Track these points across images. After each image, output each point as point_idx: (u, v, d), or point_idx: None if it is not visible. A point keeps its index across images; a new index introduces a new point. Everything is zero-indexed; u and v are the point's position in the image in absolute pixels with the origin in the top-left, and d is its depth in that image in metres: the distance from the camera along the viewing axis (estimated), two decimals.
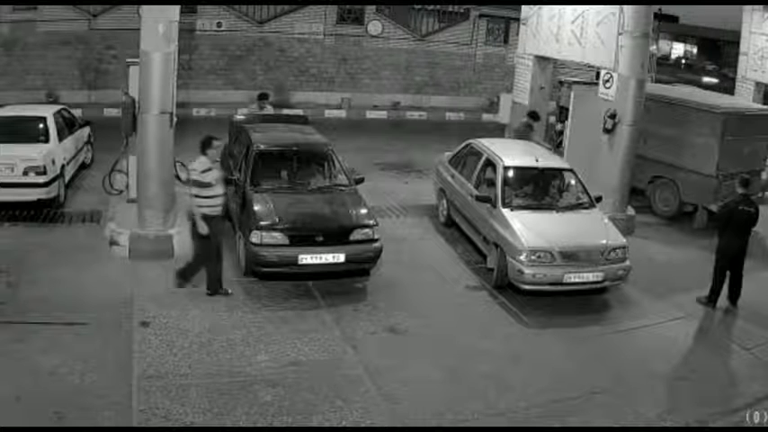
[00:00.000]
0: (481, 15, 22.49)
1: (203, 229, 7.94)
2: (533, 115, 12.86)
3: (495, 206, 9.32)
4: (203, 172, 7.95)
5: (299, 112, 18.15)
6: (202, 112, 18.75)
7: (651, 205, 12.87)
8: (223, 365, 6.80)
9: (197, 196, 7.93)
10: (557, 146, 14.31)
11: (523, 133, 12.47)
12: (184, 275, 8.35)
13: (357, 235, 8.64)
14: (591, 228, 9.20)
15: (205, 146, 8.11)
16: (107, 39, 18.64)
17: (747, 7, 16.53)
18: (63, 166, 10.85)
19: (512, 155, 10.16)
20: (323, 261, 8.41)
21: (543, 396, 6.77)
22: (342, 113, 20.42)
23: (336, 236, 8.56)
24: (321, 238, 8.48)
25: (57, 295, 7.87)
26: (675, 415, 6.67)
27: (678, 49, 53.17)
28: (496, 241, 9.08)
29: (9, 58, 17.96)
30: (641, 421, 6.51)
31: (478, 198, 9.62)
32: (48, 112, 11.42)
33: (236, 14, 20.12)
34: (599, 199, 9.88)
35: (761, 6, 16.16)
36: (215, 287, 8.23)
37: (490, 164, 10.04)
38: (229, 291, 8.29)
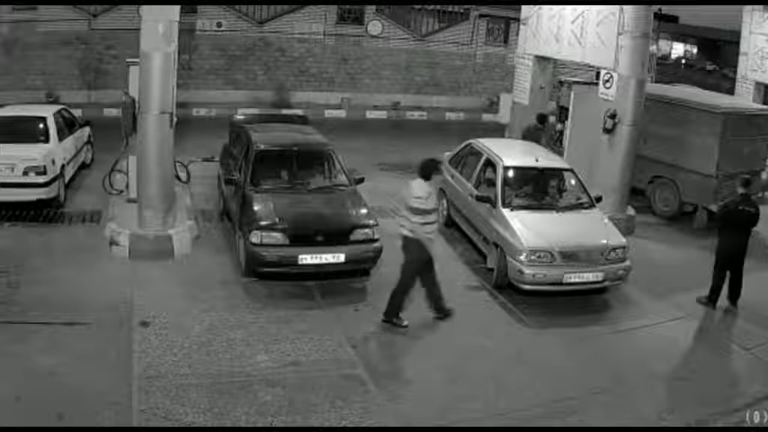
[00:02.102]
0: (481, 15, 22.50)
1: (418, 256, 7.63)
2: (541, 119, 12.80)
3: (495, 206, 9.32)
4: (427, 198, 7.60)
5: (299, 112, 18.16)
6: (202, 112, 18.77)
7: (651, 205, 12.87)
8: (223, 365, 6.80)
9: (423, 224, 7.54)
10: (554, 143, 14.32)
11: (533, 136, 12.42)
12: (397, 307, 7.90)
13: (357, 235, 8.64)
14: (591, 228, 9.19)
15: (430, 170, 7.66)
16: (107, 39, 18.64)
17: (747, 7, 16.54)
18: (63, 166, 10.85)
19: (512, 155, 10.17)
20: (323, 261, 8.42)
21: (543, 396, 6.77)
22: (342, 113, 20.42)
23: (336, 236, 8.56)
24: (321, 238, 8.49)
25: (57, 295, 7.87)
26: (675, 415, 6.67)
27: (678, 49, 53.15)
28: (496, 241, 9.08)
29: (9, 58, 17.95)
30: (641, 421, 6.50)
31: (478, 198, 9.62)
32: (48, 112, 11.42)
33: (236, 14, 20.13)
34: (599, 199, 9.88)
35: (761, 6, 16.17)
36: (393, 314, 7.85)
37: (490, 164, 10.04)
38: (405, 323, 7.80)
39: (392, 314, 7.87)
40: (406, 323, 7.86)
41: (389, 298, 7.85)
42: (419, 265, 7.74)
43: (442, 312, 8.11)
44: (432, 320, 8.09)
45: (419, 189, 7.59)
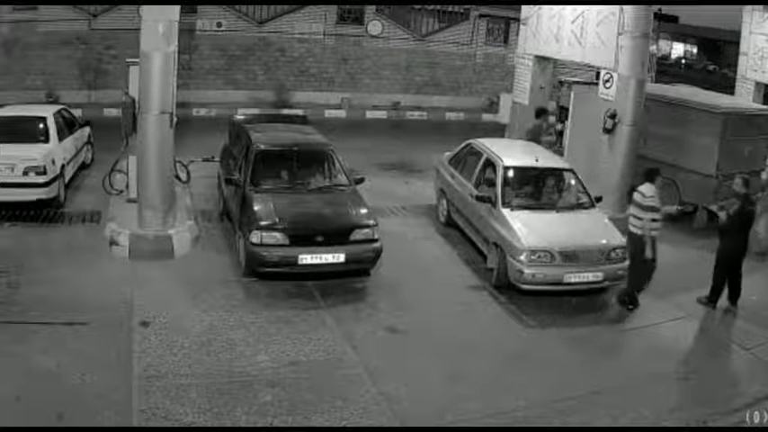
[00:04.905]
0: (481, 15, 22.49)
1: (650, 253, 8.49)
2: (540, 112, 12.71)
3: (495, 206, 9.33)
4: (656, 197, 8.58)
5: (300, 111, 18.16)
6: (202, 112, 18.77)
7: None
8: (223, 365, 6.80)
9: (654, 220, 8.49)
10: (554, 143, 14.30)
11: (537, 133, 12.39)
12: (631, 300, 8.82)
13: (357, 235, 8.65)
14: (591, 228, 9.19)
15: (653, 174, 8.74)
16: (107, 39, 18.64)
17: (747, 7, 16.52)
18: (63, 166, 10.85)
19: (512, 155, 10.17)
20: (323, 261, 8.42)
21: (543, 396, 6.76)
22: (342, 113, 20.42)
23: (336, 236, 8.57)
24: (321, 238, 8.49)
25: (57, 295, 7.87)
26: (675, 415, 6.67)
27: (678, 49, 53.12)
28: (496, 241, 9.08)
29: (9, 58, 17.94)
30: (641, 421, 6.50)
31: (478, 198, 9.62)
32: (48, 112, 11.42)
33: (236, 14, 20.12)
34: (599, 199, 9.88)
35: (761, 6, 16.16)
36: (631, 299, 8.77)
37: (490, 164, 10.04)
38: (630, 307, 8.77)
39: (629, 301, 8.78)
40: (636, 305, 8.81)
41: (628, 290, 8.83)
42: (639, 259, 8.58)
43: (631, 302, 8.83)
44: (432, 321, 8.09)
45: (649, 191, 8.59)
